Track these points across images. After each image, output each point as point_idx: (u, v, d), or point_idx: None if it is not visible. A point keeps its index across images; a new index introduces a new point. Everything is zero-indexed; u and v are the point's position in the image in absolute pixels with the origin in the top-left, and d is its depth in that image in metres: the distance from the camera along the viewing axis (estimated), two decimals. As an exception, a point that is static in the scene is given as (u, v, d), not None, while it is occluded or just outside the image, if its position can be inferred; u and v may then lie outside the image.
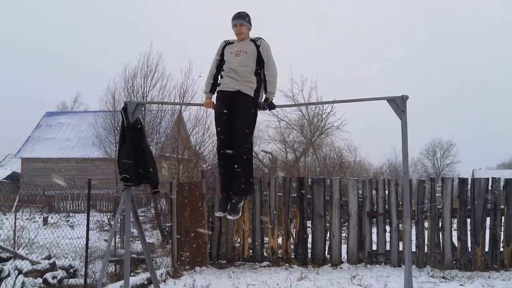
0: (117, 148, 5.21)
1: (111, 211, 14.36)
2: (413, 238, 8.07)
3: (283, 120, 27.77)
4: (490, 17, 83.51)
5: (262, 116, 24.02)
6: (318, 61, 65.23)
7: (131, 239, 6.49)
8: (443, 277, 7.41)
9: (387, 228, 8.45)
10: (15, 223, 9.66)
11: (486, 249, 8.10)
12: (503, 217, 8.10)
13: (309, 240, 8.73)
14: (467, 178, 8.55)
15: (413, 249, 8.09)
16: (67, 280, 6.91)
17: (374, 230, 8.55)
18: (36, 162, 31.49)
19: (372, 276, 7.46)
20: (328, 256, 8.44)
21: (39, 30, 78.39)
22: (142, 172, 5.03)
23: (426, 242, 8.18)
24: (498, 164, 60.64)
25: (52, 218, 18.41)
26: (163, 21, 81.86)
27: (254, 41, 4.94)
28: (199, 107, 14.46)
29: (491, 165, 59.67)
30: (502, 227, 8.09)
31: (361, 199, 8.52)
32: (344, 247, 8.61)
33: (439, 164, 56.04)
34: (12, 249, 7.61)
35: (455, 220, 8.37)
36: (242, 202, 4.91)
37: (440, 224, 8.20)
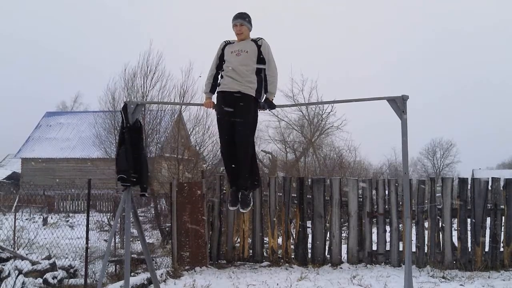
0: (117, 148, 5.21)
1: (111, 211, 14.35)
2: (413, 238, 8.07)
3: (283, 120, 27.79)
4: (490, 18, 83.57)
5: (262, 116, 24.01)
6: (318, 61, 65.25)
7: (131, 239, 6.49)
8: (443, 277, 7.41)
9: (387, 228, 8.44)
10: (14, 223, 9.65)
11: (486, 249, 8.10)
12: (503, 217, 8.10)
13: (309, 240, 8.73)
14: (467, 178, 8.55)
15: (413, 249, 8.08)
16: (67, 280, 6.90)
17: (374, 230, 8.55)
18: (36, 162, 31.49)
19: (372, 276, 7.46)
20: (328, 256, 8.44)
21: (39, 30, 78.46)
22: (138, 173, 5.06)
23: (426, 242, 8.18)
24: (498, 164, 60.69)
25: (52, 218, 18.40)
26: (163, 21, 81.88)
27: (255, 41, 4.95)
28: (199, 107, 14.47)
29: (491, 165, 59.73)
30: (502, 227, 8.09)
31: (361, 199, 8.52)
32: (344, 247, 8.61)
33: (439, 164, 56.11)
34: (12, 249, 7.61)
35: (455, 220, 8.37)
36: (252, 193, 5.05)
37: (440, 224, 8.20)
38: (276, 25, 71.64)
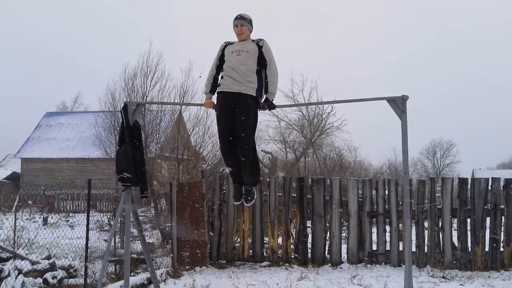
0: (117, 147, 5.22)
1: (111, 211, 14.35)
2: (413, 238, 8.07)
3: (283, 120, 27.77)
4: (490, 18, 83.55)
5: (262, 116, 24.01)
6: (318, 61, 65.28)
7: (131, 239, 6.49)
8: (443, 277, 7.41)
9: (387, 228, 8.45)
10: (15, 223, 9.64)
11: (486, 249, 8.10)
12: (503, 217, 8.10)
13: (309, 240, 8.73)
14: (467, 178, 8.55)
15: (413, 249, 8.09)
16: (67, 280, 6.90)
17: (374, 230, 8.56)
18: (36, 162, 31.49)
19: (372, 276, 7.46)
20: (328, 256, 8.44)
21: (39, 30, 78.49)
22: (139, 174, 5.06)
23: (426, 242, 8.18)
24: (498, 164, 60.67)
25: (52, 218, 18.40)
26: (163, 21, 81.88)
27: (255, 41, 4.96)
28: (199, 107, 14.47)
29: (491, 165, 59.70)
30: (502, 227, 8.09)
31: (361, 199, 8.52)
32: (344, 247, 8.61)
33: (439, 164, 56.07)
34: (12, 249, 7.61)
35: (455, 220, 8.37)
36: (255, 188, 5.19)
37: (440, 224, 8.21)
38: (276, 25, 71.69)
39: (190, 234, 8.30)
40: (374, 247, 8.49)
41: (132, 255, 7.59)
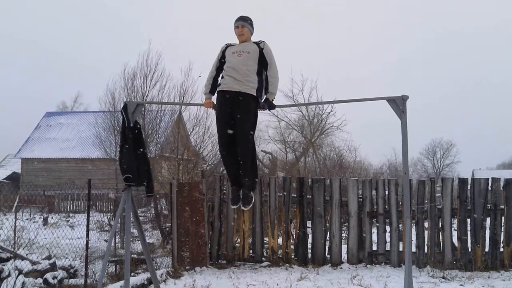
0: (119, 148, 5.22)
1: (111, 211, 14.36)
2: (413, 238, 8.07)
3: (283, 120, 27.80)
4: (490, 18, 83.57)
5: (262, 116, 24.04)
6: (318, 61, 65.27)
7: (131, 239, 6.49)
8: (443, 277, 7.41)
9: (387, 228, 8.45)
10: (15, 223, 9.65)
11: (486, 249, 8.10)
12: (503, 217, 8.10)
13: (309, 240, 8.73)
14: (467, 178, 8.55)
15: (413, 249, 8.09)
16: (67, 280, 6.91)
17: (374, 230, 8.56)
18: (36, 162, 31.48)
19: (372, 276, 7.46)
20: (328, 256, 8.44)
21: (39, 30, 78.48)
22: (143, 173, 5.06)
23: (426, 242, 8.18)
24: (498, 164, 60.74)
25: (52, 218, 18.41)
26: (163, 21, 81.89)
27: (257, 43, 4.98)
28: (199, 107, 14.46)
29: (491, 165, 59.76)
30: (502, 227, 8.09)
31: (361, 199, 8.52)
32: (344, 247, 8.61)
33: (439, 164, 56.06)
34: (12, 249, 7.61)
35: (455, 220, 8.37)
36: (253, 192, 5.08)
37: (440, 224, 8.21)
38: (276, 25, 71.74)
39: (190, 234, 8.30)
40: (374, 247, 8.49)
41: (132, 255, 7.59)
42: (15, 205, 18.86)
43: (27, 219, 16.48)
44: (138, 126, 5.24)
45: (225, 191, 8.71)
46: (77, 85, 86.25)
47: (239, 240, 8.75)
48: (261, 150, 26.30)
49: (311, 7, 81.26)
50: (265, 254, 8.67)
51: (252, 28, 5.05)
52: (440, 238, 8.17)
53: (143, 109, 13.20)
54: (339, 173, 19.81)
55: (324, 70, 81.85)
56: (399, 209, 8.28)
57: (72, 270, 7.19)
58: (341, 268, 8.14)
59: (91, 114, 28.62)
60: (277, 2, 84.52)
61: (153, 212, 13.47)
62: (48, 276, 6.74)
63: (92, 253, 8.13)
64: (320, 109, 27.10)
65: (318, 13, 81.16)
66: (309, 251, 8.57)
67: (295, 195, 8.69)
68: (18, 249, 7.97)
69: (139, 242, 6.51)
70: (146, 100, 14.81)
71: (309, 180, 8.98)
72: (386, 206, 8.42)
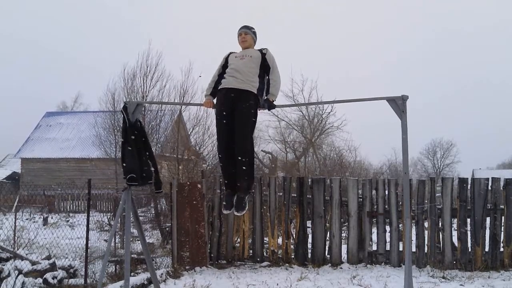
0: (121, 148, 5.20)
1: (111, 211, 14.36)
2: (413, 238, 8.07)
3: (283, 120, 27.84)
4: (490, 18, 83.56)
5: (262, 116, 24.06)
6: (318, 61, 65.27)
7: (131, 239, 6.49)
8: (443, 277, 7.41)
9: (387, 228, 8.44)
10: (15, 223, 9.65)
11: (486, 249, 8.10)
12: (503, 217, 8.10)
13: (309, 240, 8.73)
14: (467, 178, 8.54)
15: (413, 249, 8.08)
16: (67, 280, 6.90)
17: (374, 230, 8.55)
18: (36, 162, 31.48)
19: (372, 276, 7.46)
20: (328, 256, 8.44)
21: (39, 30, 78.49)
22: (147, 173, 5.04)
23: (426, 242, 8.18)
24: (498, 164, 60.75)
25: (52, 218, 18.41)
26: (163, 21, 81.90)
27: (259, 50, 5.03)
28: (199, 107, 14.47)
29: (491, 165, 59.77)
30: (502, 227, 8.09)
31: (361, 199, 8.52)
32: (344, 247, 8.61)
33: (439, 164, 56.09)
34: (12, 249, 7.61)
35: (455, 220, 8.37)
36: (247, 197, 4.92)
37: (440, 224, 8.20)
38: (276, 25, 71.77)
39: (190, 234, 8.30)
40: (374, 247, 8.49)
41: (132, 255, 7.59)
42: (15, 205, 18.87)
43: (27, 219, 16.47)
44: (140, 124, 5.21)
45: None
46: (77, 85, 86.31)
47: (239, 240, 8.75)
48: (261, 150, 26.33)
49: (311, 7, 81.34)
50: (265, 254, 8.67)
51: (255, 37, 5.13)
52: (440, 238, 8.17)
53: (143, 109, 13.21)
54: (339, 173, 19.81)
55: (324, 70, 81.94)
56: (399, 209, 8.27)
57: (72, 270, 7.19)
58: (341, 268, 8.13)
59: (91, 114, 28.64)
60: (277, 2, 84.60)
61: (153, 212, 13.48)
62: (48, 276, 6.74)
63: (92, 253, 8.13)
64: (320, 109, 27.15)
65: (318, 13, 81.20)
66: (309, 251, 8.56)
67: (295, 195, 8.68)
68: (18, 249, 7.97)
69: (139, 242, 6.50)
70: (146, 100, 14.81)
71: (309, 180, 8.98)
72: (386, 206, 8.42)
